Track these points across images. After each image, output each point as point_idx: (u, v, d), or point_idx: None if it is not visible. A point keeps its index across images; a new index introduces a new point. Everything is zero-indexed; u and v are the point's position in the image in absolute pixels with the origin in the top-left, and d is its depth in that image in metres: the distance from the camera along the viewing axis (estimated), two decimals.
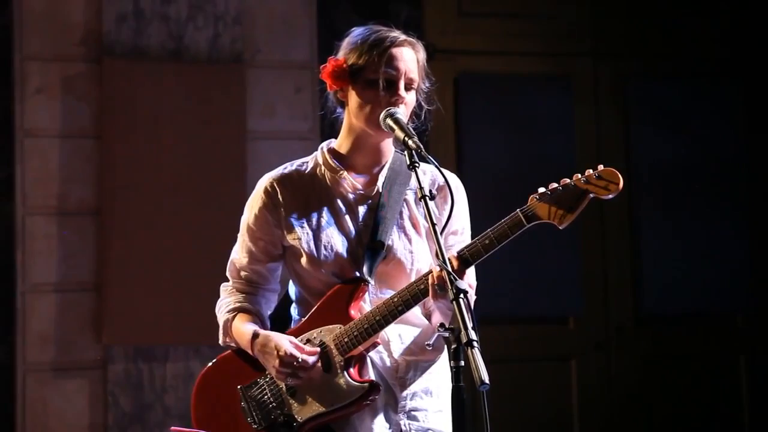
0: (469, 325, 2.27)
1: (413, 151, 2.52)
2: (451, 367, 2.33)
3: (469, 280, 2.73)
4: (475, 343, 2.24)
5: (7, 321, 4.94)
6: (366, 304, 2.70)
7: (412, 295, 2.60)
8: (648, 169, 5.76)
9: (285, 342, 2.64)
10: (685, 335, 5.79)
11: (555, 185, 2.56)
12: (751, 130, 5.90)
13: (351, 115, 2.72)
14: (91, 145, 5.04)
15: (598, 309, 5.70)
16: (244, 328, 2.74)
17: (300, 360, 2.61)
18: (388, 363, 2.70)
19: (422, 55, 2.73)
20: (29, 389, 4.93)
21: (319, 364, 2.65)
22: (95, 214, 5.02)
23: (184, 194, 5.04)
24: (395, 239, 2.71)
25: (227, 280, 2.86)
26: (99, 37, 5.06)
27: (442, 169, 2.56)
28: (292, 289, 2.83)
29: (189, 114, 5.08)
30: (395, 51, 2.67)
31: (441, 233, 2.46)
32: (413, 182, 2.74)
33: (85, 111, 5.05)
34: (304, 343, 2.68)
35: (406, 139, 2.54)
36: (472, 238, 2.65)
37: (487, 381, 2.18)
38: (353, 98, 2.70)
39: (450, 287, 2.34)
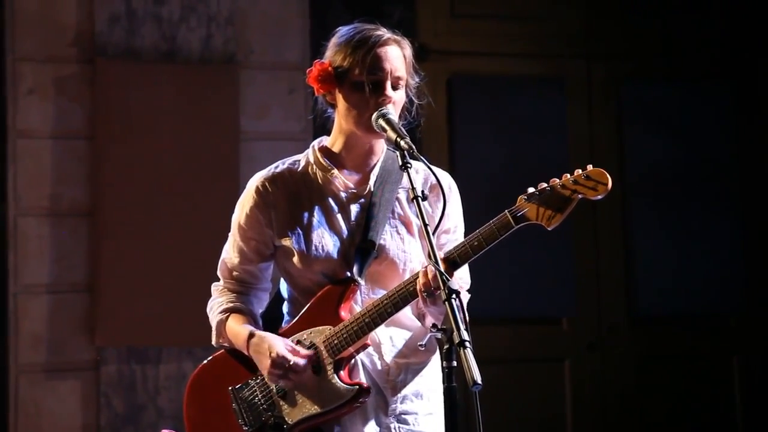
0: (462, 325, 2.26)
1: (405, 152, 2.51)
2: (443, 367, 2.33)
3: (462, 280, 2.72)
4: (467, 344, 2.23)
5: None
6: (357, 305, 2.69)
7: (401, 297, 2.59)
8: (641, 170, 5.76)
9: (279, 344, 2.63)
10: (678, 336, 5.79)
11: (544, 185, 2.54)
12: (744, 132, 5.91)
13: (340, 117, 2.70)
14: (83, 146, 5.04)
15: (592, 309, 5.70)
16: (239, 329, 2.73)
17: (291, 363, 2.60)
18: (378, 365, 2.70)
19: (408, 51, 2.70)
20: (22, 390, 4.92)
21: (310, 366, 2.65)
22: (88, 215, 5.01)
23: (177, 195, 5.03)
24: (387, 238, 2.69)
25: (218, 280, 2.85)
26: (91, 37, 5.05)
27: (434, 168, 2.55)
28: (283, 287, 2.82)
29: (182, 115, 5.07)
30: (380, 51, 2.64)
31: (433, 234, 2.45)
32: (405, 181, 2.73)
33: (77, 112, 5.04)
34: (295, 344, 2.67)
35: (399, 139, 2.53)
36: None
37: (479, 381, 2.18)
38: (341, 101, 2.68)
39: (442, 288, 2.33)
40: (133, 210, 4.99)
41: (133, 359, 4.98)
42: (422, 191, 2.48)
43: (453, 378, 2.31)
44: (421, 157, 2.50)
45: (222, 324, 2.77)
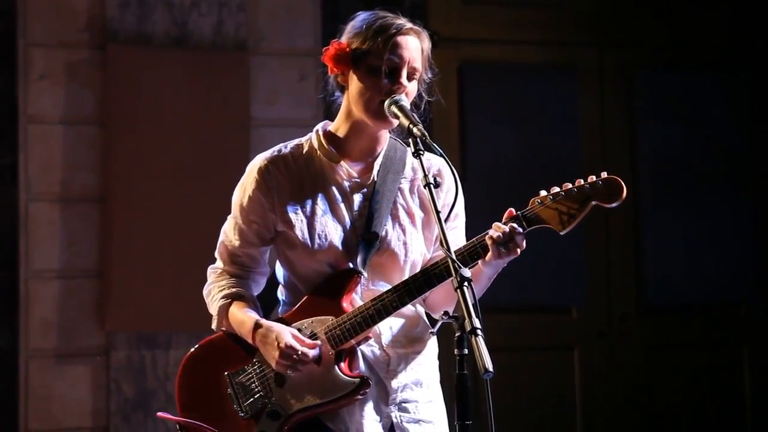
0: (473, 313, 2.25)
1: (418, 139, 2.49)
2: (455, 355, 2.31)
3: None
4: (479, 331, 2.22)
5: (10, 307, 4.94)
6: (357, 296, 2.66)
7: (407, 292, 2.57)
8: (652, 159, 5.74)
9: (286, 334, 2.59)
10: (688, 325, 5.79)
11: (557, 189, 2.53)
12: (757, 121, 5.89)
13: (350, 100, 2.67)
14: (94, 131, 5.04)
15: (601, 298, 5.69)
16: (243, 316, 2.68)
17: (300, 353, 2.57)
18: (379, 356, 2.67)
19: (427, 44, 2.68)
20: (32, 376, 4.93)
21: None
22: (99, 201, 5.02)
23: (188, 181, 5.03)
24: (389, 230, 2.66)
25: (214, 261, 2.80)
26: (103, 23, 5.05)
27: (438, 156, 2.54)
28: (279, 272, 2.77)
29: (192, 101, 5.07)
30: (400, 39, 2.62)
31: (445, 221, 2.43)
32: (408, 171, 2.72)
33: (88, 97, 5.04)
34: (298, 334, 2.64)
35: (411, 126, 2.50)
36: (475, 232, 2.62)
37: (491, 369, 2.17)
38: (354, 83, 2.65)
39: (454, 275, 2.31)
40: (143, 195, 4.99)
41: (143, 344, 4.99)
42: (434, 178, 2.46)
43: (464, 366, 2.30)
44: (434, 145, 2.48)
45: (224, 310, 2.71)
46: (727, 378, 5.79)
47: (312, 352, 2.59)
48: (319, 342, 2.61)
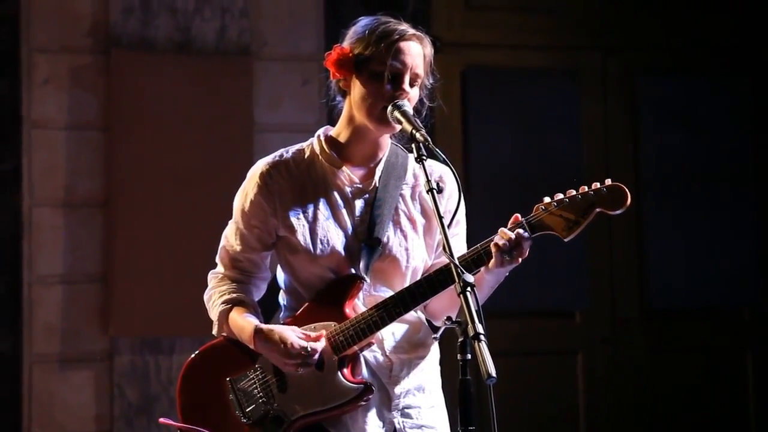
0: (476, 318, 2.25)
1: (421, 144, 2.49)
2: (458, 360, 2.31)
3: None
4: (482, 337, 2.22)
5: (13, 312, 4.94)
6: (360, 302, 2.65)
7: (411, 298, 2.57)
8: (655, 163, 5.74)
9: (289, 334, 2.58)
10: (691, 329, 5.78)
11: (561, 196, 2.52)
12: (760, 125, 5.89)
13: (352, 105, 2.66)
14: (98, 136, 5.04)
15: (605, 303, 5.69)
16: (243, 322, 2.66)
17: (308, 348, 2.56)
18: (381, 361, 2.66)
19: (429, 50, 2.67)
20: (36, 380, 4.94)
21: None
22: (102, 206, 5.02)
23: (191, 186, 5.04)
24: (391, 235, 2.65)
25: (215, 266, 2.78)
26: (106, 28, 5.05)
27: (439, 164, 2.53)
28: (280, 277, 2.76)
29: (196, 106, 5.08)
30: (403, 45, 2.60)
31: (448, 226, 2.43)
32: (409, 177, 2.72)
33: (92, 102, 5.05)
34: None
35: (414, 132, 2.50)
36: (477, 237, 2.62)
37: (494, 374, 2.17)
38: (356, 89, 2.64)
39: (457, 281, 2.31)
40: (147, 201, 5.00)
41: (147, 349, 4.99)
42: (437, 183, 2.46)
43: (467, 371, 2.30)
44: (437, 150, 2.47)
45: (224, 315, 2.70)
46: (730, 382, 5.79)
47: (319, 345, 2.57)
48: (324, 332, 2.60)
